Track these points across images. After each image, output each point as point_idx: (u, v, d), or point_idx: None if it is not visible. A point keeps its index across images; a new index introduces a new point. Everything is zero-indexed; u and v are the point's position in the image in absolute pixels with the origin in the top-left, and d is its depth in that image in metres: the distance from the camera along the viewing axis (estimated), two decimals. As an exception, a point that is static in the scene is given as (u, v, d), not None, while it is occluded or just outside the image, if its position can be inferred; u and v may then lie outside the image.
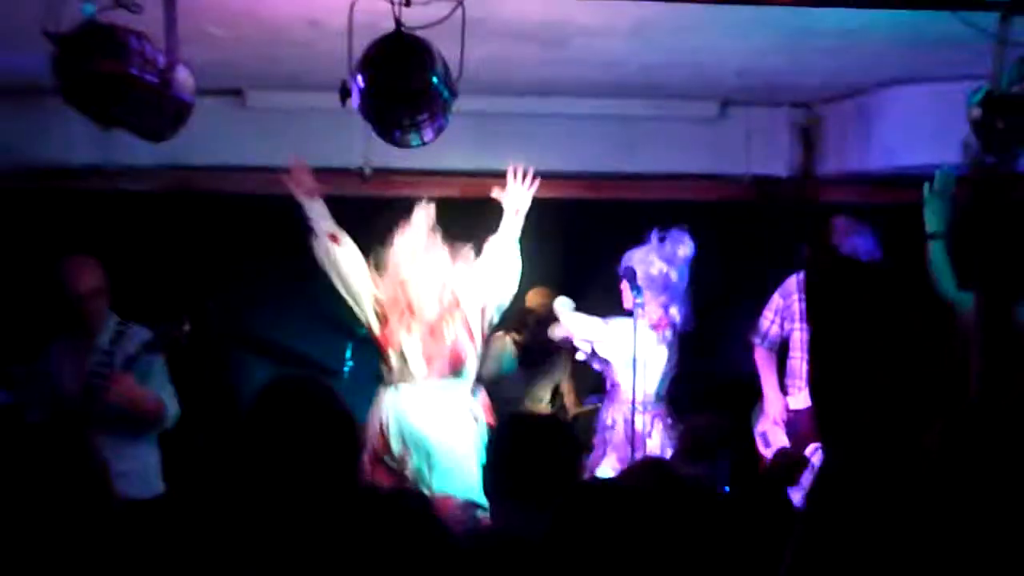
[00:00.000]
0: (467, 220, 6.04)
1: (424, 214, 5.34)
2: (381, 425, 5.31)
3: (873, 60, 5.65)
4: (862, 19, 4.33)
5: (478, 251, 5.45)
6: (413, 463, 5.27)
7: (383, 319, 5.36)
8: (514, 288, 5.46)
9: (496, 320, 5.55)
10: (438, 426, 5.29)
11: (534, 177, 5.44)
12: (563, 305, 5.99)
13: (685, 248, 5.81)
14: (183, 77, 4.02)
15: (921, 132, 6.05)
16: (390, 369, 5.39)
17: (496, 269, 5.38)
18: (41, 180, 6.69)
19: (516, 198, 5.36)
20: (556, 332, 6.11)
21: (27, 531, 2.31)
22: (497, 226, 5.48)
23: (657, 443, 5.74)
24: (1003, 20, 4.03)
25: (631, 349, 5.46)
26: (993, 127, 4.26)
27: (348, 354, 5.85)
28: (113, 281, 5.02)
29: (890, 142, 6.31)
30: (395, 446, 5.28)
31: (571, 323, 5.94)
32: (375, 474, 5.30)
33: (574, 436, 4.26)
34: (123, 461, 4.28)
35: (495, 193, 5.37)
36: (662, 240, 5.84)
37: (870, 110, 6.42)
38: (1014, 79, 4.15)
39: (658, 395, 5.84)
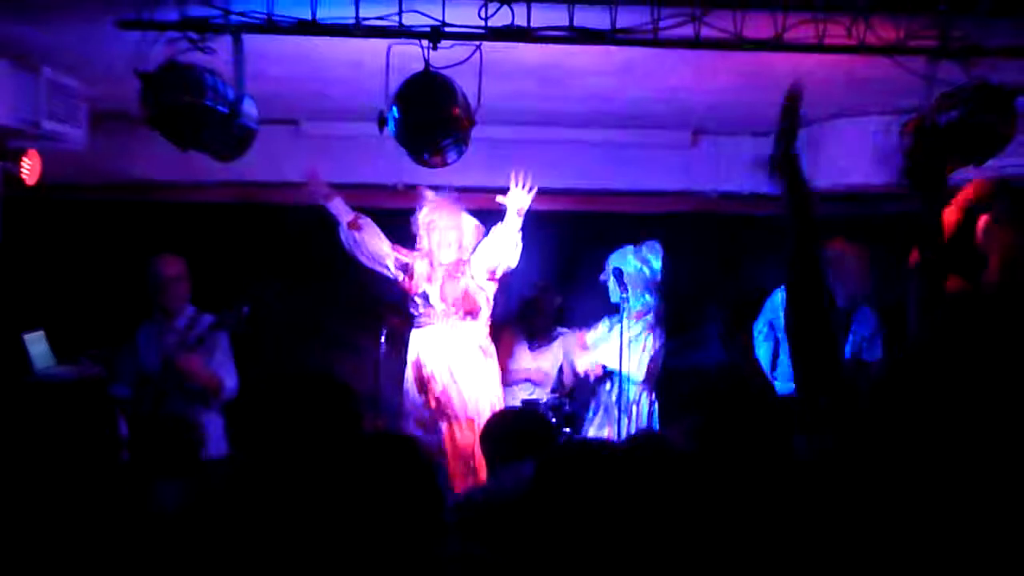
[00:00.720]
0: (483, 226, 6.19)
1: (453, 192, 5.55)
2: (418, 362, 5.47)
3: (821, 96, 5.44)
4: (811, 62, 4.14)
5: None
6: (437, 389, 5.41)
7: (408, 272, 5.48)
8: (517, 256, 5.51)
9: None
10: (457, 364, 5.43)
11: (541, 194, 5.50)
12: (591, 341, 5.99)
13: (656, 252, 5.83)
14: (248, 108, 4.01)
15: (861, 156, 5.98)
16: (415, 312, 5.51)
17: (501, 241, 5.47)
18: (132, 192, 6.73)
19: (517, 199, 5.41)
20: (581, 365, 6.06)
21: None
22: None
23: (645, 411, 5.71)
24: (929, 62, 3.97)
25: (620, 337, 5.51)
26: (922, 151, 4.16)
27: (383, 336, 5.93)
28: (202, 266, 5.13)
29: (835, 165, 6.19)
30: (425, 375, 5.43)
31: (596, 356, 5.93)
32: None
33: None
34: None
35: (499, 198, 5.43)
36: (638, 246, 5.87)
37: (818, 138, 6.29)
38: (939, 112, 4.07)
39: (646, 371, 5.77)
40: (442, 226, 5.50)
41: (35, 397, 4.81)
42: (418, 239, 5.53)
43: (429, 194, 5.60)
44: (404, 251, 5.51)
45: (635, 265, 5.73)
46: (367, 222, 5.49)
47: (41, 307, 6.10)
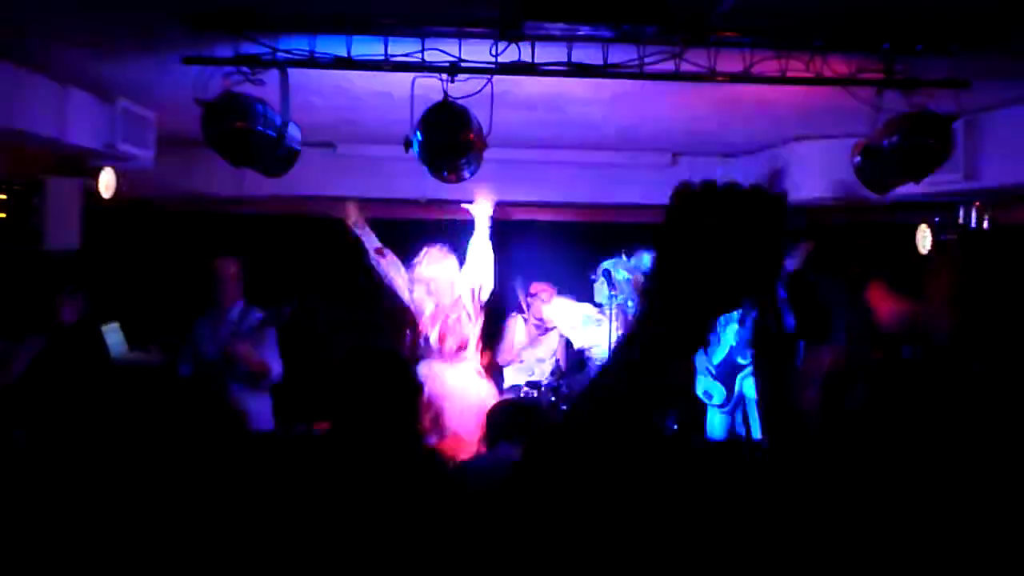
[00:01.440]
0: (494, 235, 6.20)
1: (441, 247, 5.53)
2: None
3: (782, 123, 5.59)
4: (775, 93, 4.22)
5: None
6: (435, 408, 5.39)
7: (416, 308, 5.50)
8: (492, 278, 5.51)
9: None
10: (454, 387, 5.42)
11: (542, 206, 5.56)
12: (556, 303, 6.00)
13: (642, 261, 5.77)
14: (293, 132, 4.02)
15: (814, 174, 5.93)
16: (426, 346, 5.52)
17: (478, 257, 5.46)
18: (193, 204, 6.79)
19: (482, 209, 5.45)
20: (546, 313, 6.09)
21: (179, 459, 2.37)
22: (513, 239, 5.63)
23: None
24: (877, 93, 3.98)
25: (608, 330, 5.54)
26: (870, 170, 4.22)
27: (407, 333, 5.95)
28: (254, 268, 5.14)
29: (793, 181, 6.06)
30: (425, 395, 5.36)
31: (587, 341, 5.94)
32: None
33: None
34: (245, 406, 4.48)
35: (466, 206, 5.46)
36: (628, 255, 5.85)
37: (778, 159, 6.31)
38: (884, 135, 4.08)
39: None
40: (440, 279, 5.48)
41: (112, 380, 4.88)
42: (420, 289, 5.51)
43: (425, 252, 5.57)
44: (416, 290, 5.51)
45: (624, 274, 5.68)
46: (389, 254, 5.51)
47: (116, 302, 6.17)
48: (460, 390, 5.44)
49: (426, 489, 2.13)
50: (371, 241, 5.49)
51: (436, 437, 5.39)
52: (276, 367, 5.02)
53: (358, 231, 5.50)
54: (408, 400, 2.56)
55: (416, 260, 5.55)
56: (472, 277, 5.50)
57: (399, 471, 2.02)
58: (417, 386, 2.65)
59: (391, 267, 5.49)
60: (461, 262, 5.56)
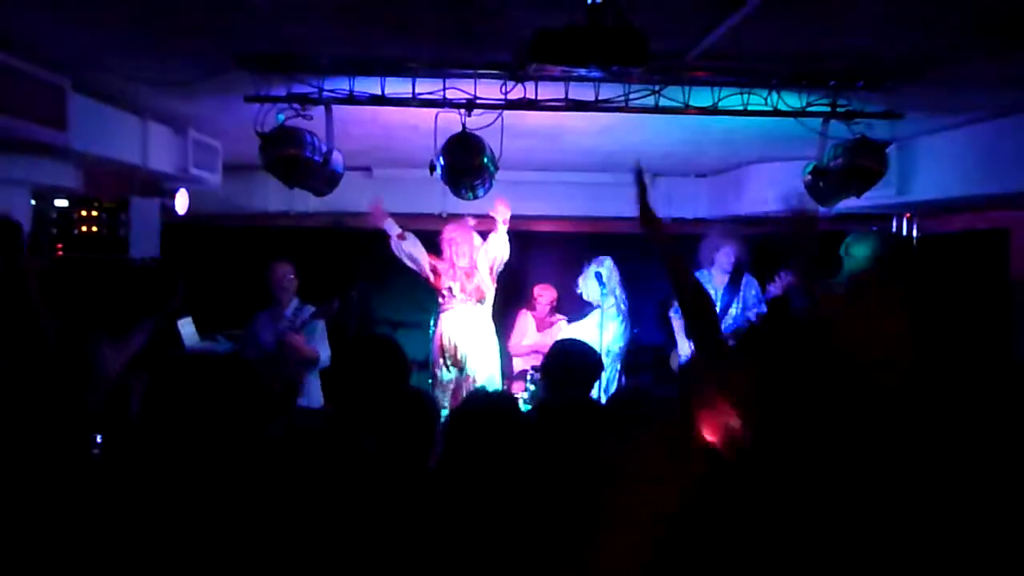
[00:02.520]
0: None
1: (467, 220, 5.58)
2: (440, 335, 5.49)
3: (744, 148, 5.59)
4: (738, 123, 4.19)
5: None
6: (459, 355, 5.43)
7: (436, 273, 5.48)
8: (507, 251, 5.52)
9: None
10: (471, 334, 5.45)
11: (543, 219, 5.51)
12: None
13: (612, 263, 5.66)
14: (336, 158, 4.02)
15: (772, 190, 5.62)
16: (442, 301, 5.51)
17: (497, 241, 5.49)
18: (253, 220, 6.75)
19: (502, 214, 5.42)
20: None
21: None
22: (519, 247, 5.60)
23: (613, 375, 5.56)
24: (824, 123, 3.98)
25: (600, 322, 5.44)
26: (818, 187, 4.20)
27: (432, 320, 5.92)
28: (303, 271, 5.10)
29: (754, 196, 6.16)
30: (447, 345, 5.45)
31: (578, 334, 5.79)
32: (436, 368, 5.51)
33: None
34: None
35: (491, 212, 5.42)
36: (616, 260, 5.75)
37: (742, 178, 6.32)
38: (831, 158, 4.08)
39: (620, 348, 5.60)
40: (459, 241, 5.47)
41: (186, 367, 4.86)
42: (442, 250, 5.50)
43: (451, 224, 5.61)
44: (435, 258, 5.51)
45: (609, 268, 5.57)
46: (410, 235, 5.52)
47: (188, 301, 6.16)
48: (477, 333, 5.47)
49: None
50: (392, 228, 5.51)
51: (458, 373, 5.47)
52: (324, 354, 4.98)
53: (383, 224, 5.52)
54: (397, 372, 2.58)
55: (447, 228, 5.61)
56: (491, 252, 5.52)
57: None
58: (405, 360, 2.66)
59: (412, 246, 5.51)
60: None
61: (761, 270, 5.41)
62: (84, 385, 2.43)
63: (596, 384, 3.03)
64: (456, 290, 5.48)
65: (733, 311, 5.35)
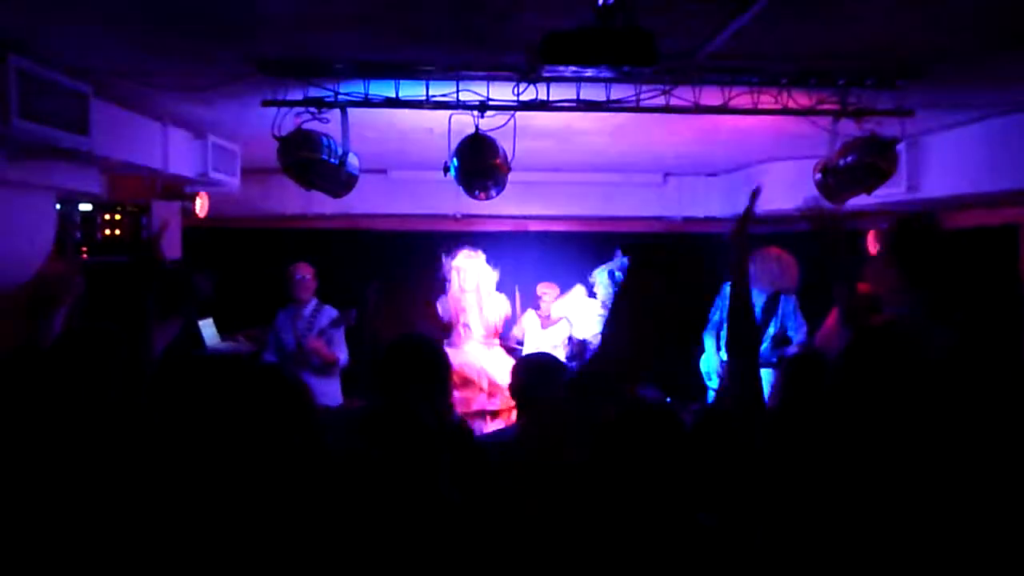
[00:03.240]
0: (513, 244, 6.21)
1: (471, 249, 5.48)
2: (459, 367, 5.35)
3: (755, 147, 5.57)
4: (749, 122, 4.23)
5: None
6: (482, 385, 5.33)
7: (451, 308, 5.43)
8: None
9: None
10: (484, 366, 5.32)
11: (555, 219, 5.49)
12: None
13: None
14: (352, 161, 4.02)
15: (783, 188, 5.71)
16: (458, 335, 5.43)
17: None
18: (271, 221, 6.80)
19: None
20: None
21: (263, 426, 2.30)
22: (531, 246, 5.57)
23: None
24: (834, 121, 3.96)
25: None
26: (828, 184, 4.18)
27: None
28: (320, 272, 5.13)
29: (765, 195, 6.10)
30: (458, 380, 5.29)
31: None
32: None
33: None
34: (319, 386, 4.40)
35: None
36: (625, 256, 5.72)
37: (752, 176, 6.27)
38: (840, 156, 4.05)
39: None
40: (466, 268, 5.40)
41: (208, 365, 4.88)
42: (448, 279, 5.43)
43: (462, 253, 5.50)
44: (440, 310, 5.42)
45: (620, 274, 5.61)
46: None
47: (209, 302, 6.21)
48: (490, 368, 5.36)
49: (457, 456, 2.02)
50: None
51: (463, 408, 5.32)
52: (343, 357, 5.02)
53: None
54: (440, 377, 2.44)
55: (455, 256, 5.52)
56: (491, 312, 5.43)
57: (432, 439, 1.90)
58: (447, 366, 2.50)
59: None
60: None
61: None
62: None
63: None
64: (471, 320, 5.38)
65: (771, 330, 5.19)
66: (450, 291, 5.42)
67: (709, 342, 5.24)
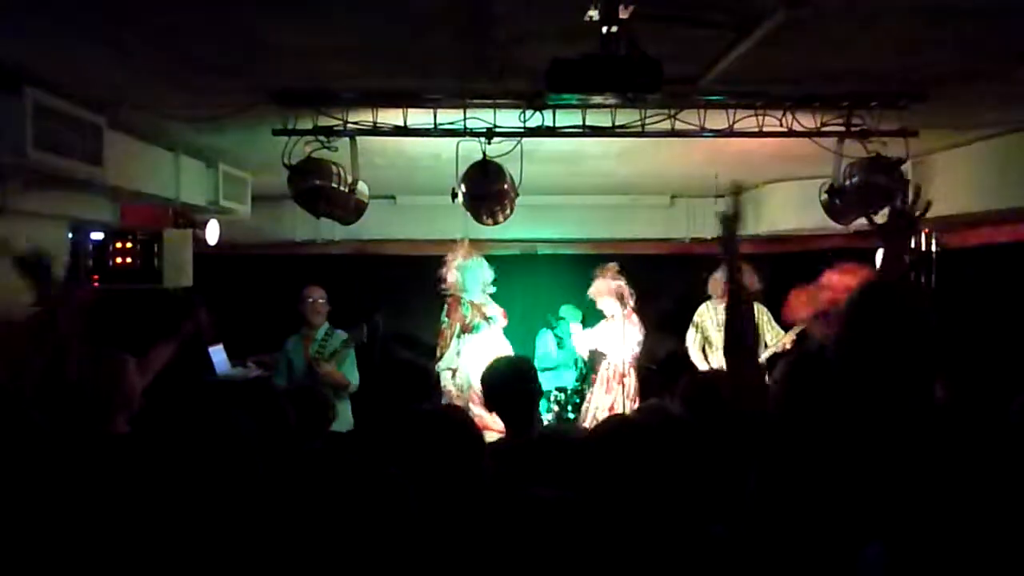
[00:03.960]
0: (522, 267, 6.20)
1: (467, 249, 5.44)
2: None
3: (761, 168, 5.57)
4: (754, 144, 4.20)
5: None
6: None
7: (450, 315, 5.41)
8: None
9: None
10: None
11: (563, 242, 5.50)
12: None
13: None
14: (361, 188, 4.02)
15: (790, 209, 5.95)
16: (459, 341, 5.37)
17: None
18: (281, 248, 6.83)
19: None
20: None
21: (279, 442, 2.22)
22: (539, 270, 5.55)
23: (633, 383, 5.66)
24: (839, 143, 3.95)
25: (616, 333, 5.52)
26: (835, 205, 4.16)
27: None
28: (330, 297, 5.14)
29: (773, 216, 6.14)
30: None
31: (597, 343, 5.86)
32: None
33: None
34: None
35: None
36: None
37: (760, 198, 6.27)
38: (846, 176, 4.05)
39: (632, 356, 5.69)
40: (472, 266, 5.37)
41: (218, 391, 4.88)
42: (447, 276, 5.39)
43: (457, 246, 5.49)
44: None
45: (630, 290, 5.62)
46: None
47: (220, 328, 6.21)
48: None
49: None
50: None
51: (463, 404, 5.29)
52: (354, 379, 5.02)
53: None
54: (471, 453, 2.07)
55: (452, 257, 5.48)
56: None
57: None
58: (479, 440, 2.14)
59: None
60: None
61: (778, 292, 5.35)
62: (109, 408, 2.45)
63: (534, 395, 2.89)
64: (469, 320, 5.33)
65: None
66: (450, 294, 5.38)
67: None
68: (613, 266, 5.72)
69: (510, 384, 2.80)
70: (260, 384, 3.26)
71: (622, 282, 5.66)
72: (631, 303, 5.62)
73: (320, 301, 5.08)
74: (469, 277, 5.39)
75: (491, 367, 2.96)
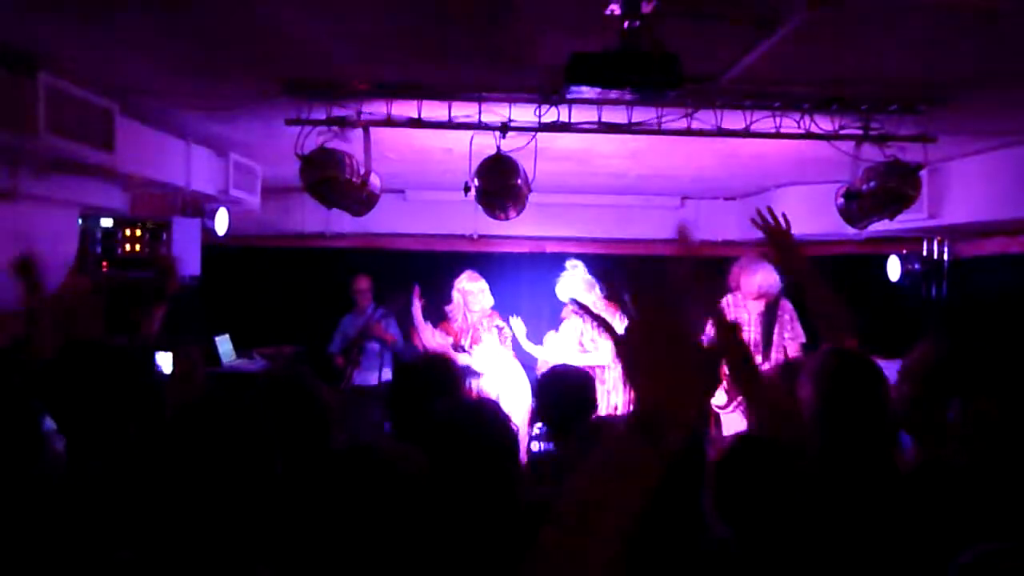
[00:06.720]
0: (530, 265, 6.19)
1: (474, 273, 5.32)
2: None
3: (777, 171, 5.54)
4: (770, 147, 4.19)
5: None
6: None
7: (452, 334, 5.24)
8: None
9: None
10: (498, 375, 5.10)
11: (572, 240, 5.44)
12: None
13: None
14: (373, 180, 4.01)
15: (804, 213, 5.70)
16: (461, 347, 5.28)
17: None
18: (291, 240, 6.81)
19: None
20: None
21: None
22: (548, 267, 5.52)
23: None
24: (856, 146, 3.94)
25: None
26: (851, 209, 4.14)
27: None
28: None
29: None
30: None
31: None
32: None
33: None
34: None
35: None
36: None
37: (772, 201, 6.08)
38: (863, 181, 4.03)
39: None
40: (472, 291, 5.18)
41: (224, 382, 4.87)
42: (452, 300, 5.27)
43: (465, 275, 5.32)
44: (444, 324, 5.26)
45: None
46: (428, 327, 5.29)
47: (227, 319, 6.23)
48: (503, 373, 5.18)
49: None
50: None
51: None
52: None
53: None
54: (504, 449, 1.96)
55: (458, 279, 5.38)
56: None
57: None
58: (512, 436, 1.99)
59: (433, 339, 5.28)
60: (492, 289, 5.33)
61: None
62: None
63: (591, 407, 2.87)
64: (469, 345, 5.21)
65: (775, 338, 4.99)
66: (453, 314, 5.30)
67: None
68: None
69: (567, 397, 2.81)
70: (293, 379, 3.25)
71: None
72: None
73: (366, 288, 6.07)
74: (472, 300, 5.31)
75: (550, 377, 2.98)
